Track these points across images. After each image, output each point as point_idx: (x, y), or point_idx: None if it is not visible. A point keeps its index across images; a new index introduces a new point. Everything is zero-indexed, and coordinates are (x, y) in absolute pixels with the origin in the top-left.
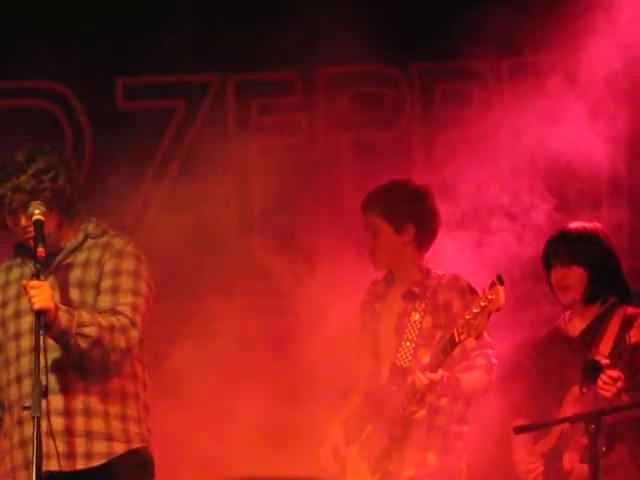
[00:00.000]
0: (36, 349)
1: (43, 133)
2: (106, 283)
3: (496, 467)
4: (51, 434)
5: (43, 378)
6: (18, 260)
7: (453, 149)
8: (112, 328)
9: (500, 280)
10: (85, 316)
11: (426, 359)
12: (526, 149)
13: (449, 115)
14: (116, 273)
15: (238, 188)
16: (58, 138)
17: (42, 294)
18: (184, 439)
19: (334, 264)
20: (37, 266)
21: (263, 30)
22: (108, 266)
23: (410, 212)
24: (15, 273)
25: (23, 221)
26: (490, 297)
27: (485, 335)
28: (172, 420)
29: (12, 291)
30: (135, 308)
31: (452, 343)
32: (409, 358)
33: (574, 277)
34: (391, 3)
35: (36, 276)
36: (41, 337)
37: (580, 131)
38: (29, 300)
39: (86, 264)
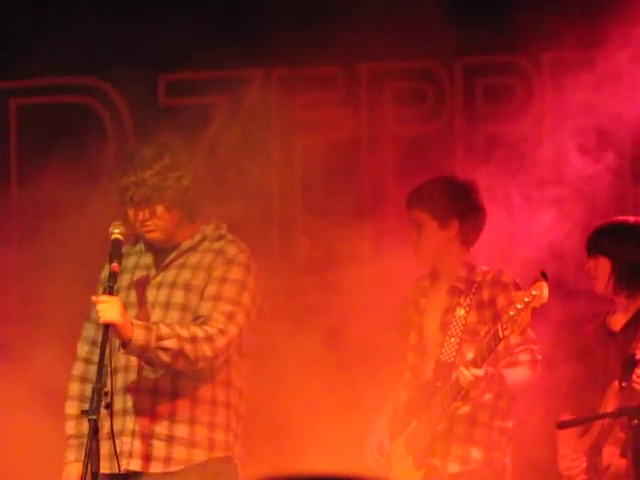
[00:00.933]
0: (100, 362)
1: (85, 130)
2: (210, 289)
3: (541, 463)
4: (133, 434)
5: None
6: (138, 247)
7: (495, 144)
8: (194, 339)
9: (544, 276)
10: (164, 329)
11: (470, 355)
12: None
13: (491, 110)
14: (222, 280)
15: (281, 185)
16: (100, 134)
17: (110, 308)
18: None
19: (379, 259)
20: (109, 283)
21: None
22: (216, 272)
23: (454, 207)
24: (131, 261)
25: (141, 215)
26: (534, 293)
27: (529, 330)
28: None
29: (126, 279)
30: (230, 317)
31: (496, 339)
32: (454, 354)
33: (600, 267)
34: None
35: (108, 291)
36: (107, 350)
37: None
38: (97, 314)
39: (197, 267)
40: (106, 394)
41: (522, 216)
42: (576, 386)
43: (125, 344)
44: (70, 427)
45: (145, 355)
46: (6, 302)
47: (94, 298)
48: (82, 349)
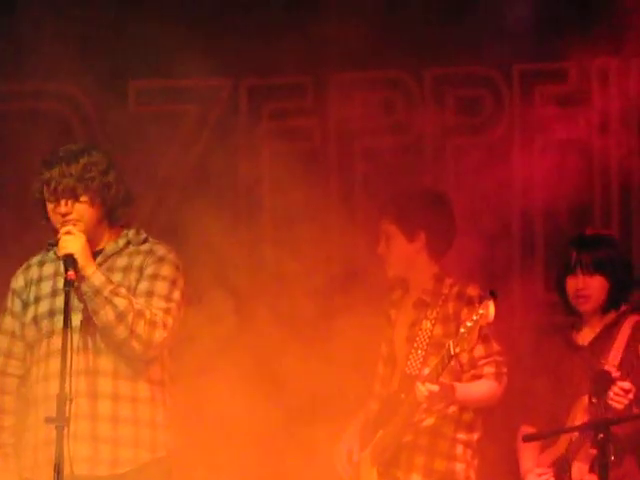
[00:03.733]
0: (62, 366)
1: (56, 136)
2: (142, 285)
3: (506, 475)
4: (78, 438)
5: (72, 380)
6: (52, 255)
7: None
8: (141, 313)
9: (492, 294)
10: (122, 290)
11: (426, 370)
12: None
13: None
14: (154, 277)
15: (248, 197)
16: (70, 141)
17: (74, 240)
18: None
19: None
20: (66, 289)
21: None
22: (148, 270)
23: (421, 220)
24: (48, 268)
25: (63, 208)
26: (481, 312)
27: (493, 342)
28: None
29: (46, 287)
30: (167, 312)
31: (448, 356)
32: (419, 366)
33: (596, 286)
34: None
35: (66, 296)
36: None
37: None
38: (59, 245)
39: (126, 269)
40: (71, 401)
41: None
42: (540, 399)
43: (81, 279)
44: None
45: (95, 300)
46: None
47: (63, 230)
48: None
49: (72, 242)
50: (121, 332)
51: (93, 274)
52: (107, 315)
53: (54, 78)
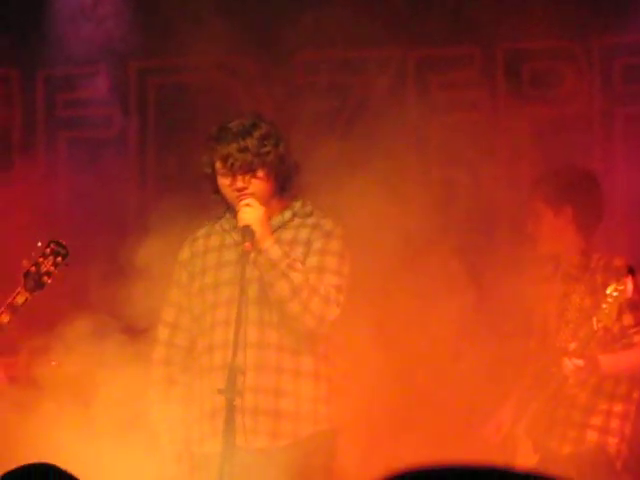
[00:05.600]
0: (235, 335)
1: (221, 108)
2: (312, 260)
3: None
4: (241, 410)
5: (240, 355)
6: (218, 227)
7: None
8: (315, 289)
9: (631, 271)
10: (298, 264)
11: (572, 345)
12: None
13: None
14: (323, 252)
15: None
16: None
17: (253, 212)
18: None
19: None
20: (242, 260)
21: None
22: (316, 245)
23: (567, 193)
24: (214, 240)
25: (240, 183)
26: (620, 288)
27: None
28: None
29: (212, 259)
30: (339, 289)
31: (592, 331)
32: (568, 340)
33: None
34: None
35: (242, 267)
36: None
37: None
38: (238, 217)
39: (292, 242)
40: (243, 373)
41: None
42: None
43: (259, 252)
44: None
45: (270, 273)
46: None
47: (243, 202)
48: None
49: (251, 214)
50: (294, 307)
51: (271, 247)
52: (282, 289)
53: (219, 50)
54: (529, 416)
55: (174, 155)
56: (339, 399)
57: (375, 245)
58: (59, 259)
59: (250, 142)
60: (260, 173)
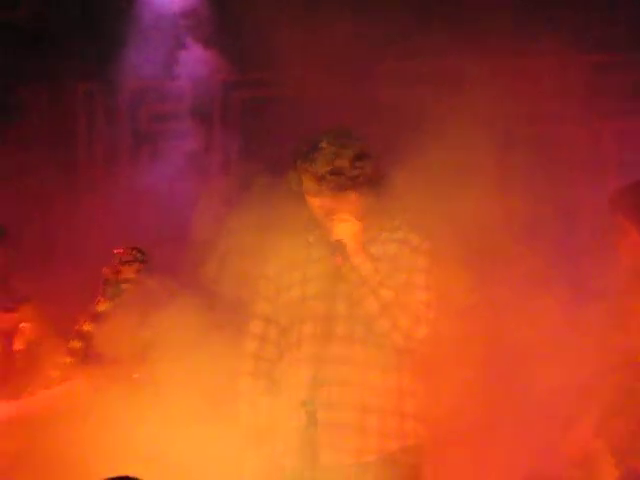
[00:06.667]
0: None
1: (304, 122)
2: (401, 277)
3: None
4: (325, 425)
5: (325, 370)
6: (303, 240)
7: None
8: (405, 307)
9: None
10: (388, 281)
11: None
12: None
13: None
14: (412, 269)
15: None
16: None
17: (346, 227)
18: None
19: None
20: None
21: None
22: (404, 261)
23: None
24: (301, 254)
25: (330, 203)
26: None
27: None
28: None
29: (298, 274)
30: (428, 306)
31: None
32: None
33: None
34: None
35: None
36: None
37: None
38: (333, 230)
39: (381, 258)
40: (322, 387)
41: None
42: None
43: (350, 269)
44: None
45: (360, 289)
46: None
47: (338, 217)
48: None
49: (345, 229)
50: (383, 323)
51: (362, 263)
52: (371, 305)
53: (301, 64)
54: (611, 431)
55: (257, 169)
56: (425, 414)
57: (458, 257)
58: (139, 266)
59: (342, 163)
60: (352, 194)
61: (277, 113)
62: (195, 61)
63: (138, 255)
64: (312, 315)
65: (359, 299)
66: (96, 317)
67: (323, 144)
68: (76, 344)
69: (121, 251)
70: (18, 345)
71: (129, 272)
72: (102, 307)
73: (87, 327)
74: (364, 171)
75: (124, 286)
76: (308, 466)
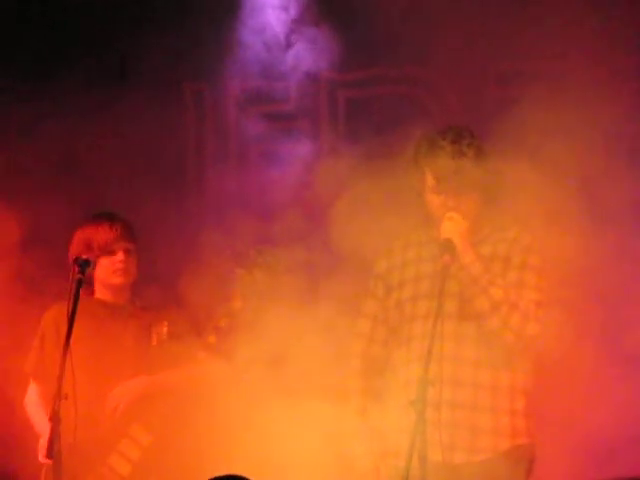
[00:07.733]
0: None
1: (411, 121)
2: (512, 275)
3: None
4: (437, 424)
5: (435, 368)
6: (415, 238)
7: None
8: (515, 306)
9: None
10: (499, 280)
11: None
12: None
13: None
14: (523, 267)
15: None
16: (427, 126)
17: (454, 226)
18: None
19: None
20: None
21: None
22: (515, 260)
23: None
24: (412, 252)
25: (452, 202)
26: None
27: None
28: None
29: (410, 272)
30: (539, 304)
31: None
32: None
33: None
34: None
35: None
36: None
37: None
38: (441, 229)
39: (492, 257)
40: (432, 385)
41: None
42: None
43: (457, 266)
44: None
45: (470, 288)
46: None
47: (447, 216)
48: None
49: (454, 228)
50: (494, 322)
51: (472, 262)
52: (482, 304)
53: (410, 62)
54: None
55: (364, 168)
56: (538, 413)
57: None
58: (270, 267)
59: (466, 163)
60: (473, 194)
61: (384, 112)
62: (301, 61)
63: (269, 257)
64: (423, 314)
65: (469, 298)
66: (231, 314)
67: (444, 142)
68: (212, 339)
69: (253, 252)
70: (155, 341)
71: (260, 273)
72: (237, 304)
73: (223, 323)
74: (484, 170)
75: (257, 285)
76: (418, 465)
